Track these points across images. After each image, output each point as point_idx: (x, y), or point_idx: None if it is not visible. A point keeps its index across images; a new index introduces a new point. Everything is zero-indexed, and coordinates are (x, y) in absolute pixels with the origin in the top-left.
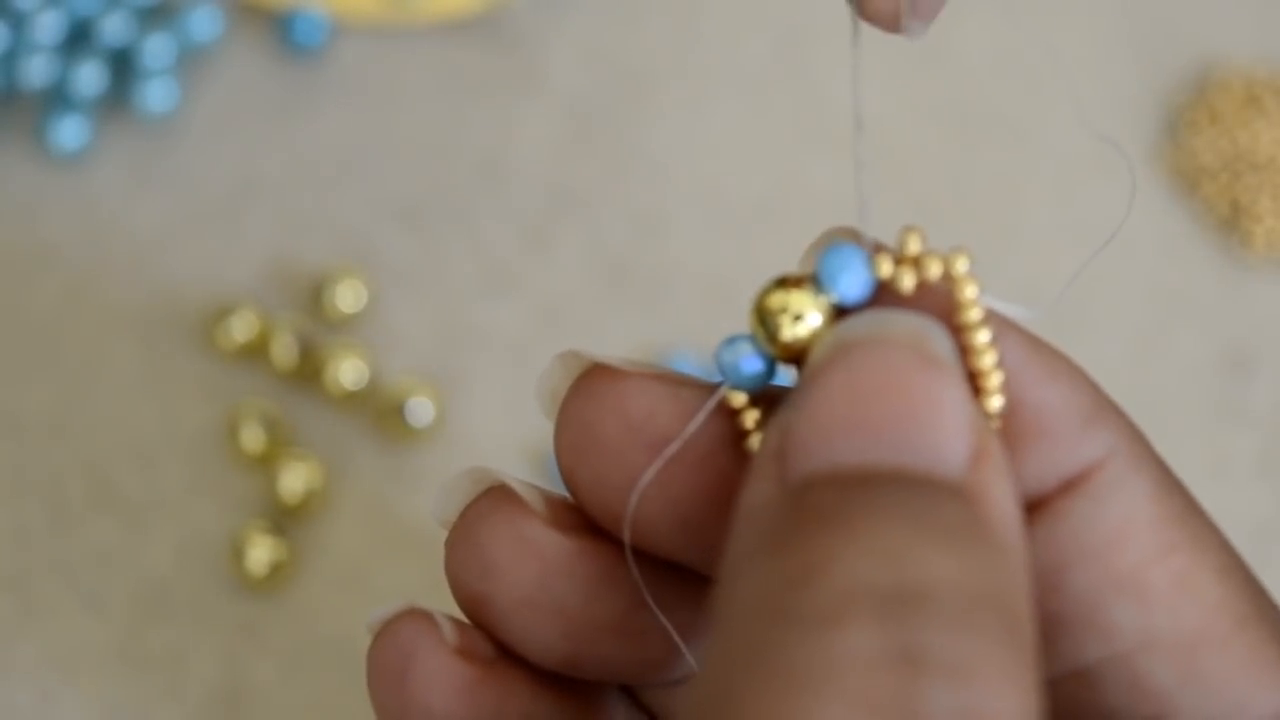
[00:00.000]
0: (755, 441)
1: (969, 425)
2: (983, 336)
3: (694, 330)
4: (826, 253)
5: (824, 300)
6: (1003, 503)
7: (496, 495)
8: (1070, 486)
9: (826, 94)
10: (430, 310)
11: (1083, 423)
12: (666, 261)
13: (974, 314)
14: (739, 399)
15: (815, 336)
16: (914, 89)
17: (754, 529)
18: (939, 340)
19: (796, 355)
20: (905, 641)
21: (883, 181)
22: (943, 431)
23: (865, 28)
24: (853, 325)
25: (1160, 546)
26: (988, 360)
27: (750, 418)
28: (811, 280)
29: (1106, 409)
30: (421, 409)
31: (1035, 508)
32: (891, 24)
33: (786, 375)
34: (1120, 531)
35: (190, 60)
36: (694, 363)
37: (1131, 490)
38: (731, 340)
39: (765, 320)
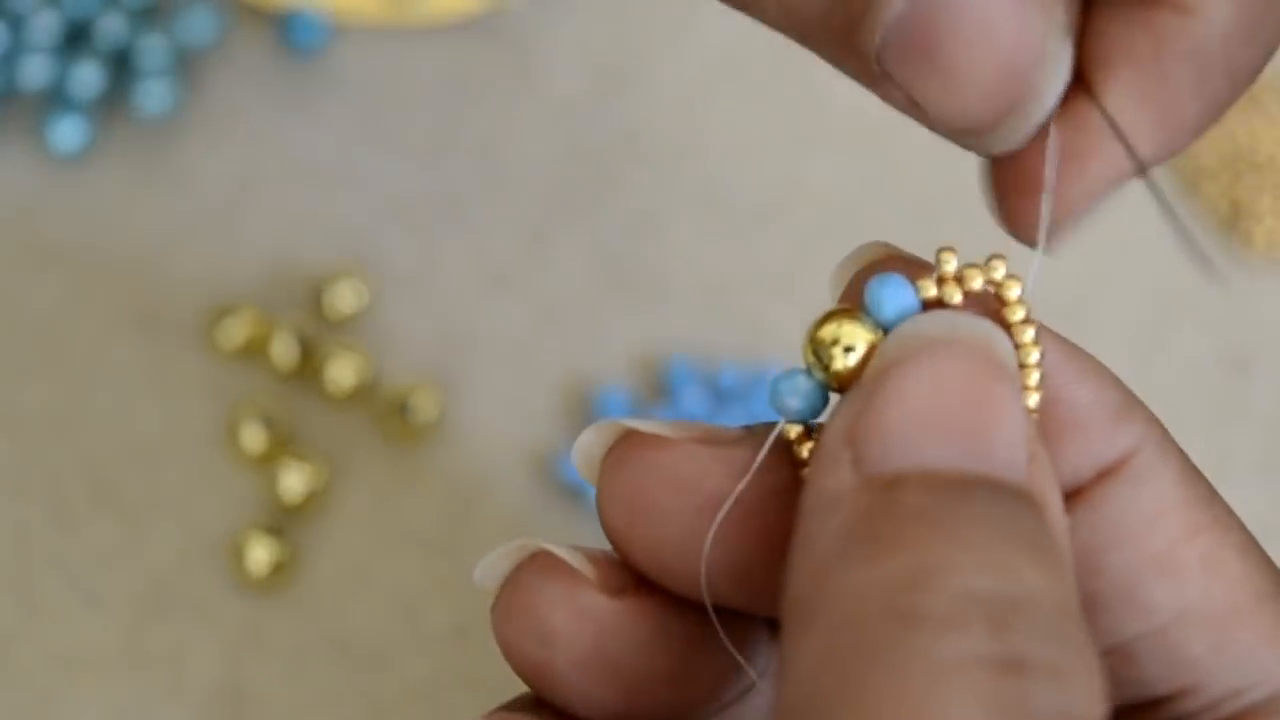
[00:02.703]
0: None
1: (1026, 433)
2: (1027, 336)
3: (693, 329)
4: (872, 285)
5: (875, 331)
6: (1056, 505)
7: (546, 564)
8: (1106, 475)
9: (826, 95)
10: (430, 310)
11: (1114, 417)
12: (666, 261)
13: (1019, 314)
14: (794, 430)
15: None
16: None
17: (838, 522)
18: (1003, 345)
19: (849, 384)
20: (1014, 647)
21: (883, 182)
22: (1012, 438)
23: None
24: (926, 323)
25: (1189, 527)
26: (1031, 358)
27: (806, 449)
28: (860, 310)
29: (1134, 404)
30: (422, 409)
31: (1074, 496)
32: (1030, 236)
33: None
34: (1153, 514)
35: (190, 60)
36: (691, 363)
37: (1161, 477)
38: (787, 374)
39: (819, 351)
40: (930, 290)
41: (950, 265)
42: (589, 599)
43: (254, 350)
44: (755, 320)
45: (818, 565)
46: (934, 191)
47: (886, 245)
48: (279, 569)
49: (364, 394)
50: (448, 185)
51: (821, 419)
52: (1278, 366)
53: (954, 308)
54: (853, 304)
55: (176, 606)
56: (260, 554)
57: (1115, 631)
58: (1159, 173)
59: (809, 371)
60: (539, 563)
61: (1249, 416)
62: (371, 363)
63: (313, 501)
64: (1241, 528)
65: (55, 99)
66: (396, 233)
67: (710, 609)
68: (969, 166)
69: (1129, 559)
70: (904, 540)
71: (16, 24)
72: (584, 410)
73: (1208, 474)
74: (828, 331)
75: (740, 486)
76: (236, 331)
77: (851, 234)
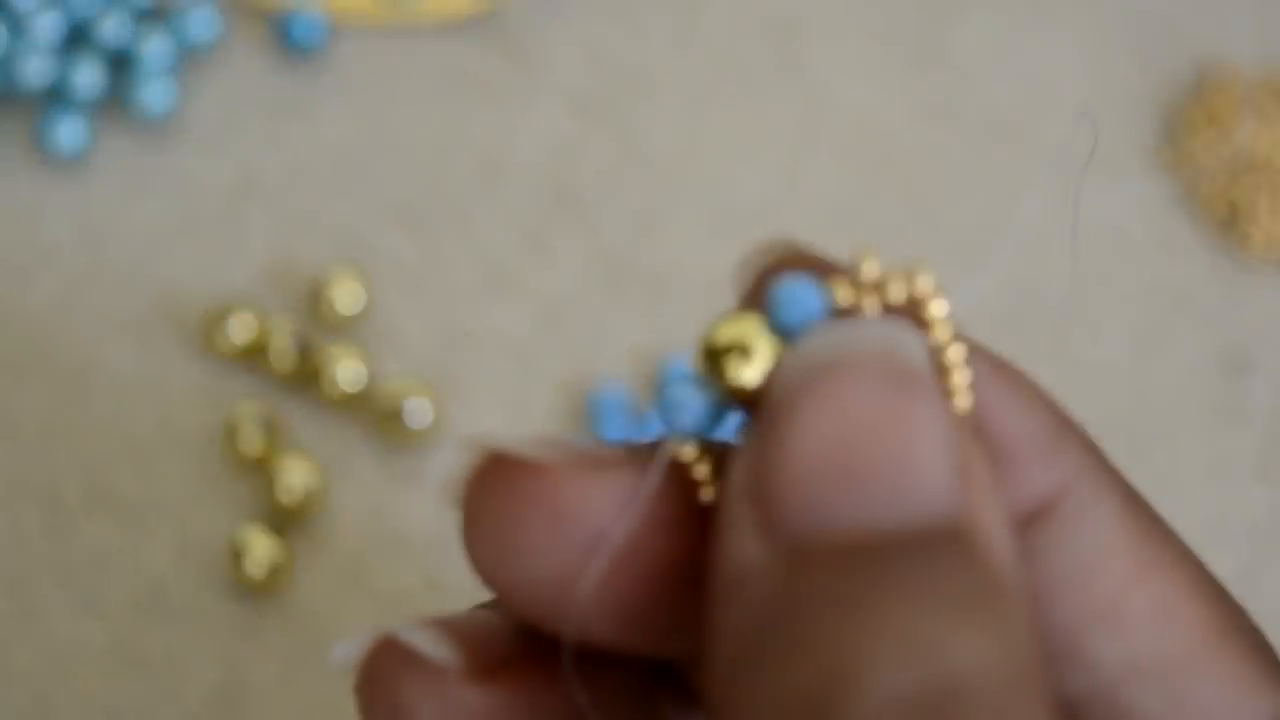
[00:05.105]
0: (709, 494)
1: (949, 446)
2: (954, 353)
3: (693, 330)
4: (776, 290)
5: (776, 340)
6: (992, 527)
7: (403, 653)
8: (1039, 516)
9: (826, 94)
10: (429, 311)
11: (1046, 446)
12: (666, 262)
13: (945, 332)
14: (688, 451)
15: (769, 377)
16: (914, 89)
17: (747, 608)
18: (911, 349)
19: (749, 397)
20: None
21: (881, 181)
22: (932, 462)
23: None
24: (817, 347)
25: (1135, 569)
26: (957, 378)
27: (702, 469)
28: (762, 315)
29: (1067, 428)
30: (420, 410)
31: None
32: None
33: (734, 421)
34: (1094, 558)
35: (189, 61)
36: (691, 363)
37: (1101, 512)
38: (679, 383)
39: (715, 360)
40: (842, 296)
41: (869, 272)
42: (455, 693)
43: (252, 352)
44: None
45: (730, 665)
46: (933, 192)
47: (793, 247)
48: (277, 571)
49: (362, 396)
50: (446, 186)
51: (721, 433)
52: (1278, 366)
53: (861, 317)
54: (756, 307)
55: (174, 608)
56: (258, 556)
57: (1058, 687)
58: (1161, 174)
59: (702, 382)
60: (394, 652)
61: (1249, 417)
62: (369, 364)
63: (311, 503)
64: (1188, 557)
65: (55, 99)
66: (395, 233)
67: (569, 667)
68: (969, 168)
69: (1069, 610)
70: (816, 638)
71: (17, 24)
72: (584, 411)
73: (1208, 474)
74: (723, 338)
75: (625, 524)
76: (235, 333)
77: (852, 234)
